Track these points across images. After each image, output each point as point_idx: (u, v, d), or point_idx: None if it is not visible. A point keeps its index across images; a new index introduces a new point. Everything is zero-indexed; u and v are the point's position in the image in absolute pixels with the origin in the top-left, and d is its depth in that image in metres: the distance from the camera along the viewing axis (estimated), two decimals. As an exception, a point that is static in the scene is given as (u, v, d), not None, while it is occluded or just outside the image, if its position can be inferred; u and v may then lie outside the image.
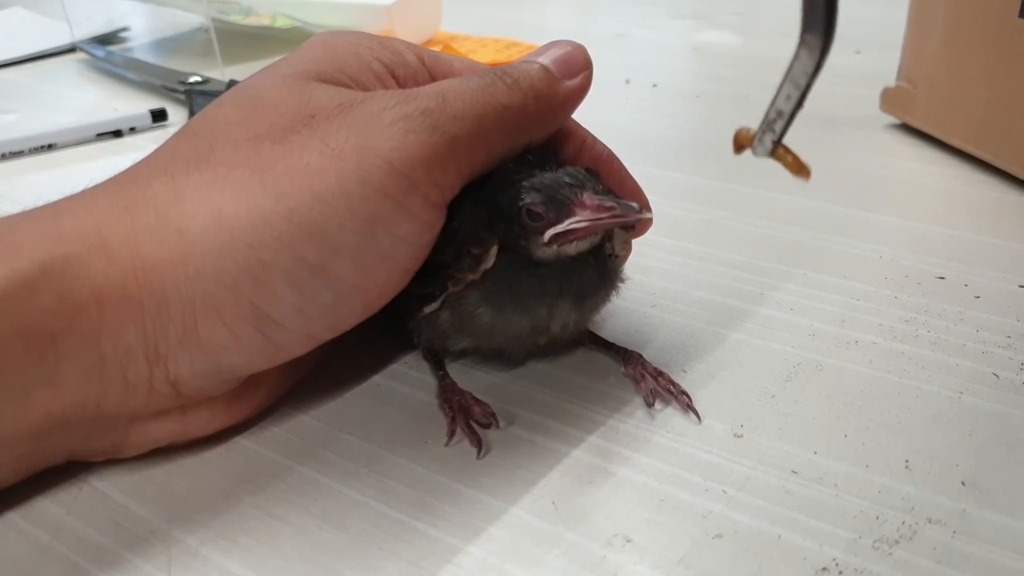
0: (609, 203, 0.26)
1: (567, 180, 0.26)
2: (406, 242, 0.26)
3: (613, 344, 0.31)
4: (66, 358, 0.23)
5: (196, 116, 0.27)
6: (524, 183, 0.27)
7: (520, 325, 0.28)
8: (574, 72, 0.29)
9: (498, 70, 0.28)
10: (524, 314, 0.28)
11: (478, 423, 0.28)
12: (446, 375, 0.30)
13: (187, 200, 0.24)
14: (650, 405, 0.29)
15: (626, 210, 0.26)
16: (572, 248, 0.27)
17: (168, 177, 0.25)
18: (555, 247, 0.27)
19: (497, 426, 0.28)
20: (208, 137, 0.26)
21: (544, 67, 0.28)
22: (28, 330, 0.22)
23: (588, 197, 0.26)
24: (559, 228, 0.26)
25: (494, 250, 0.27)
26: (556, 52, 0.29)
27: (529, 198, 0.26)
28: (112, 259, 0.23)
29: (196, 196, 0.24)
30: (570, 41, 0.29)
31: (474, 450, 0.27)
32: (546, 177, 0.27)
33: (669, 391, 0.29)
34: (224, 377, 0.26)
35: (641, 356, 0.30)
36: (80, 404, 0.24)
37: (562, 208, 0.26)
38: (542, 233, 0.26)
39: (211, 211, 0.24)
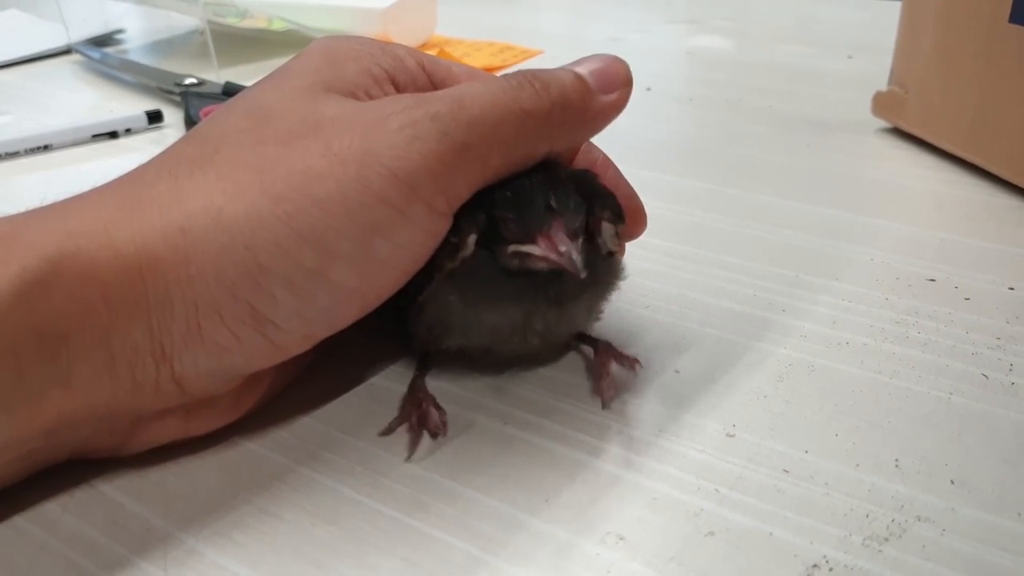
0: (564, 248, 0.26)
1: (551, 204, 0.26)
2: (406, 249, 0.26)
3: (587, 336, 0.32)
4: (78, 358, 0.23)
5: (203, 123, 0.27)
6: (508, 192, 0.27)
7: (494, 321, 0.29)
8: (611, 87, 0.28)
9: (528, 73, 0.27)
10: (496, 311, 0.28)
11: (428, 431, 0.28)
12: (421, 375, 0.30)
13: (189, 199, 0.24)
14: (605, 406, 0.29)
15: (571, 265, 0.25)
16: (532, 265, 0.27)
17: (172, 177, 0.25)
18: (516, 261, 0.27)
19: (444, 435, 0.28)
20: (214, 141, 0.26)
21: (579, 76, 0.27)
22: (42, 330, 0.23)
23: (556, 231, 0.26)
24: (519, 248, 0.27)
25: (472, 238, 0.27)
26: (595, 64, 0.28)
27: (503, 211, 0.26)
28: (119, 257, 0.23)
29: (198, 195, 0.24)
30: (613, 55, 0.28)
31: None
32: (529, 192, 0.26)
33: (621, 361, 0.30)
34: (227, 376, 0.26)
35: (609, 344, 0.31)
36: (90, 404, 0.24)
37: (529, 231, 0.26)
38: (508, 244, 0.27)
39: (212, 211, 0.24)
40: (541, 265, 0.27)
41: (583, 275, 0.25)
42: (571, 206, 0.27)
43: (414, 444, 0.27)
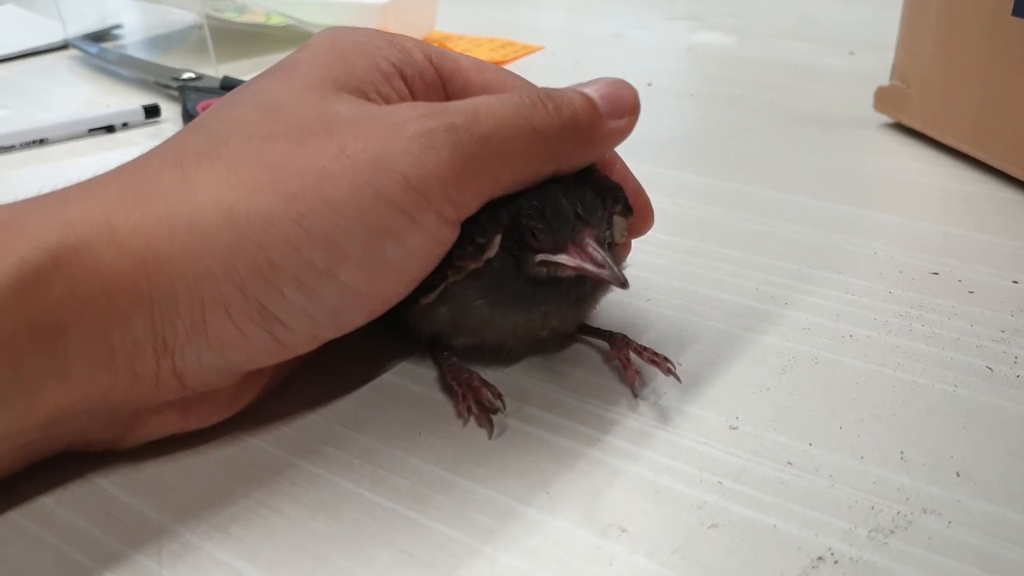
0: (600, 259, 0.26)
1: (579, 212, 0.26)
2: (415, 255, 0.25)
3: (599, 329, 0.31)
4: (76, 351, 0.23)
5: (206, 114, 0.27)
6: (535, 201, 0.27)
7: (517, 321, 0.29)
8: (620, 113, 0.28)
9: (542, 92, 0.27)
10: (520, 311, 0.28)
11: (485, 407, 0.28)
12: (451, 355, 0.30)
13: (198, 193, 0.24)
14: (635, 395, 0.29)
15: (611, 276, 0.26)
16: (561, 274, 0.27)
17: (178, 168, 0.25)
18: (544, 270, 0.27)
19: (504, 409, 0.28)
20: (222, 132, 0.25)
21: (590, 100, 0.27)
22: (39, 323, 0.22)
23: (588, 240, 0.26)
24: (549, 258, 0.27)
25: (497, 239, 0.27)
26: (605, 88, 0.28)
27: (533, 222, 0.26)
28: (122, 250, 0.23)
29: (207, 190, 0.24)
30: (622, 80, 0.29)
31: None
32: (555, 199, 0.26)
33: (653, 361, 0.29)
34: (229, 371, 0.26)
35: (626, 336, 0.30)
36: (88, 396, 0.24)
37: (560, 241, 0.26)
38: (535, 253, 0.27)
39: (222, 208, 0.24)
40: (570, 274, 0.27)
41: (627, 287, 0.26)
42: (598, 212, 0.27)
43: (486, 424, 0.27)
